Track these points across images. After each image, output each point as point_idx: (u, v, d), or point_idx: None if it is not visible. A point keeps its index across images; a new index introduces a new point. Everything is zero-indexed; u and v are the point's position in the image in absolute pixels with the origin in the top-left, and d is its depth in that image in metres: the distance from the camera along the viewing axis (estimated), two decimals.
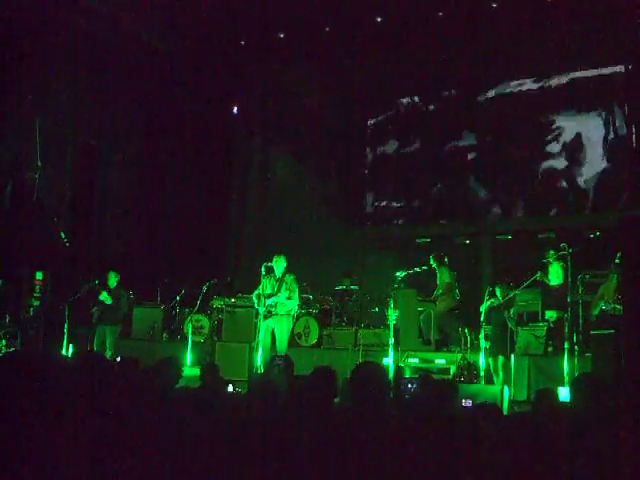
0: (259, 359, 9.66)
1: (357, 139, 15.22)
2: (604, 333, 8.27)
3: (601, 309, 8.57)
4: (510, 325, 9.61)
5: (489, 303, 9.64)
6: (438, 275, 11.04)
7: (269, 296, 9.83)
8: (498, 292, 9.83)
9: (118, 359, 7.64)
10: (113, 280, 11.24)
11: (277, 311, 9.80)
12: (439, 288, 11.00)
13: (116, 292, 11.23)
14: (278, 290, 9.84)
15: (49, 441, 2.96)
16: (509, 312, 9.68)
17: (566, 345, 8.56)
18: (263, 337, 9.79)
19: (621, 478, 3.00)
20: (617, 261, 8.71)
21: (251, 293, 10.25)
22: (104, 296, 11.03)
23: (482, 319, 9.56)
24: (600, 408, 3.76)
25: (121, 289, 11.33)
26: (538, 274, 10.10)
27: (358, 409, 3.82)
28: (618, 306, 8.19)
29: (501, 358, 9.53)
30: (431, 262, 11.02)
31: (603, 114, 12.99)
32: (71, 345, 10.68)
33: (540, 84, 13.62)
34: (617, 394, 3.71)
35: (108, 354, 10.56)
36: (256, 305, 9.97)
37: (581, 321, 9.03)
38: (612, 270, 8.97)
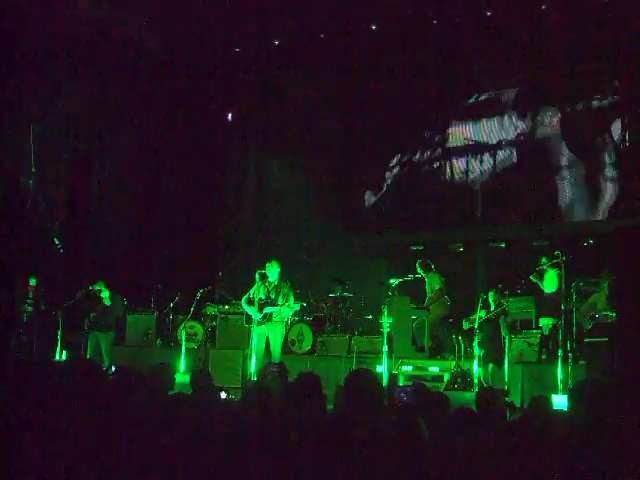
0: (253, 366, 9.64)
1: (353, 146, 15.20)
2: (598, 341, 8.28)
3: (594, 317, 8.59)
4: (503, 333, 9.62)
5: (482, 314, 9.65)
6: (427, 282, 11.11)
7: (265, 303, 9.80)
8: (491, 299, 9.85)
9: (113, 368, 7.61)
10: (104, 288, 11.14)
11: (271, 318, 9.78)
12: (430, 295, 11.04)
13: (110, 298, 11.16)
14: (276, 298, 9.81)
15: (46, 444, 2.95)
16: (505, 319, 9.71)
17: (560, 353, 8.57)
18: (257, 344, 9.77)
19: None
20: (608, 269, 8.75)
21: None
22: (105, 295, 10.96)
23: (475, 327, 9.59)
24: (600, 415, 3.75)
25: (114, 295, 11.26)
26: (532, 276, 10.16)
27: (352, 416, 3.82)
28: (610, 313, 8.21)
29: (491, 366, 9.55)
30: (418, 270, 11.06)
31: None
32: (65, 352, 10.64)
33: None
34: (614, 401, 3.71)
35: (105, 362, 10.51)
36: (247, 310, 9.94)
37: (575, 329, 9.04)
38: (603, 278, 9.00)
